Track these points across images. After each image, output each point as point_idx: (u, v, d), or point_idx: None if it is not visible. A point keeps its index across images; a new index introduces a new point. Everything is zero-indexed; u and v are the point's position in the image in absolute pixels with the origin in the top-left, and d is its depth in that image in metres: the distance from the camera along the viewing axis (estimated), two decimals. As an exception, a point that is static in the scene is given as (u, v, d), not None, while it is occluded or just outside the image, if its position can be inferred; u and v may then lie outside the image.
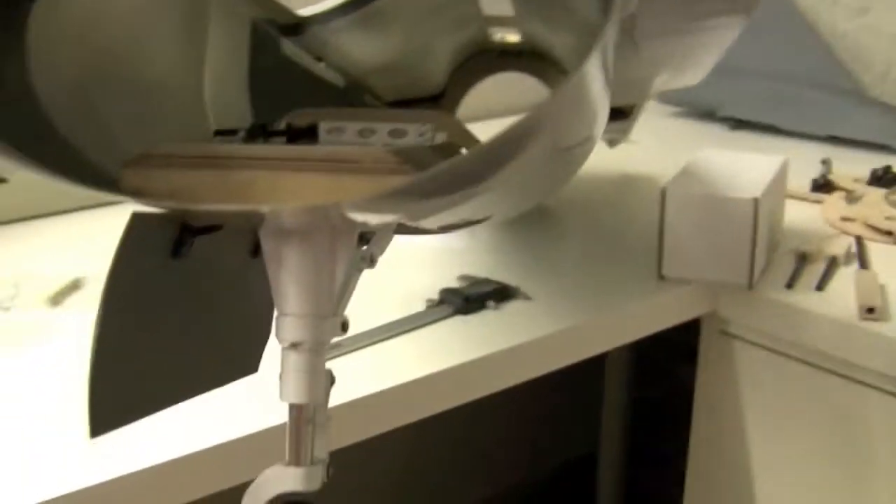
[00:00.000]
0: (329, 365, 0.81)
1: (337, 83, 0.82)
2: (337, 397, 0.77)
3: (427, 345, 0.89)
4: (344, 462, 0.86)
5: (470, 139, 0.67)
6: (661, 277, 1.03)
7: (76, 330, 0.49)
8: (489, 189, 0.47)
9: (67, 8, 0.55)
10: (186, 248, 0.51)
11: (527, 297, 0.97)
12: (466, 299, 0.95)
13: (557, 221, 1.26)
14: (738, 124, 1.73)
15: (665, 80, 0.98)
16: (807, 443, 1.04)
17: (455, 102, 1.16)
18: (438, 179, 0.40)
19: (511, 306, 0.96)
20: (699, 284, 1.03)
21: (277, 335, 0.49)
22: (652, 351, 1.57)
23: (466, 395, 0.87)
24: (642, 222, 1.11)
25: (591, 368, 1.12)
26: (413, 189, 0.41)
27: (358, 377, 0.81)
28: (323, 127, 0.58)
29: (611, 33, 0.46)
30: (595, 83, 0.47)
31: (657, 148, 1.54)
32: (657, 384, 1.70)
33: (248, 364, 0.55)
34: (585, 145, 0.61)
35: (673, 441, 1.21)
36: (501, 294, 0.97)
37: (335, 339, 0.83)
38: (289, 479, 0.49)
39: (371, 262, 0.55)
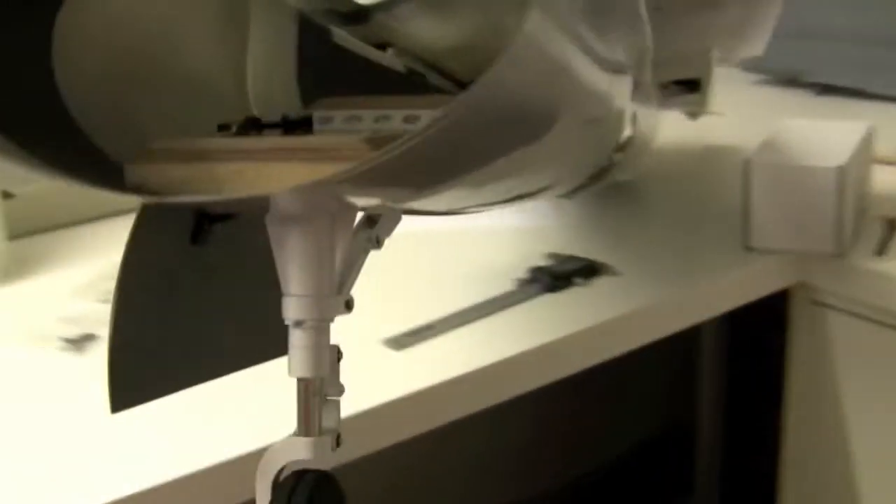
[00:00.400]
0: (422, 346, 0.84)
1: (397, 69, 0.83)
2: (435, 377, 0.80)
3: (518, 323, 0.90)
4: (446, 436, 0.88)
5: None
6: (749, 249, 1.03)
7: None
8: (451, 180, 0.48)
9: (98, 7, 0.55)
10: (206, 235, 0.54)
11: (615, 273, 0.98)
12: (555, 277, 0.96)
13: (643, 195, 1.27)
14: (824, 90, 1.71)
15: (725, 52, 0.97)
16: (901, 409, 1.04)
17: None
18: (369, 171, 0.41)
19: (599, 282, 0.97)
20: (787, 255, 1.03)
21: (283, 314, 0.52)
22: (747, 320, 1.57)
23: (558, 371, 0.89)
24: (728, 194, 1.11)
25: (685, 339, 1.12)
26: (350, 177, 0.42)
27: (452, 357, 0.83)
28: (331, 116, 0.59)
29: None
30: (553, 48, 0.46)
31: (742, 118, 1.53)
32: (753, 353, 1.69)
33: (279, 346, 0.55)
34: (590, 122, 0.60)
35: (769, 410, 1.21)
36: (589, 270, 0.98)
37: (427, 321, 0.86)
38: (298, 448, 0.51)
39: (377, 243, 0.57)
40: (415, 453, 1.02)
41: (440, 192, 0.51)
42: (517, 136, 0.49)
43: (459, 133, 0.42)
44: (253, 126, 0.56)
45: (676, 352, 1.74)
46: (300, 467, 0.51)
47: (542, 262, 0.99)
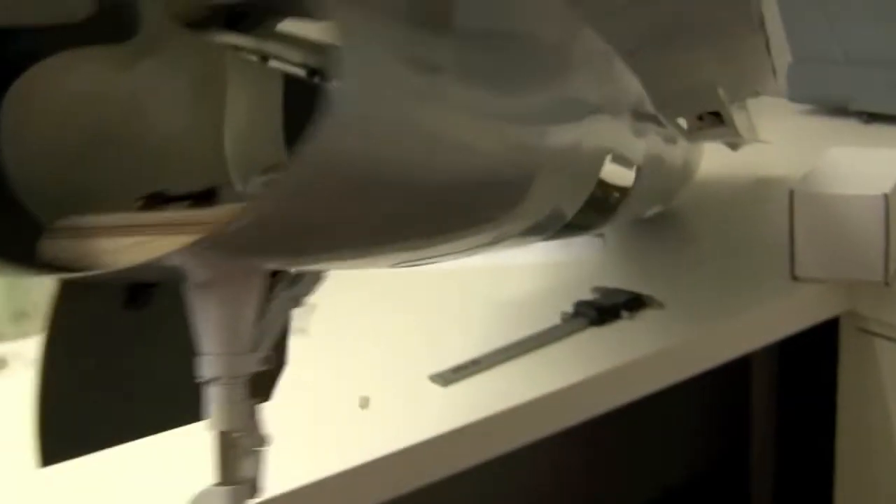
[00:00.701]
0: (468, 382, 0.85)
1: None
2: (482, 412, 0.80)
3: (564, 357, 0.90)
4: (494, 472, 0.89)
5: None
6: (795, 278, 1.03)
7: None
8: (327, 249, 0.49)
9: (54, 85, 0.55)
10: (142, 300, 0.55)
11: (660, 305, 0.98)
12: (601, 310, 0.96)
13: (689, 226, 1.27)
14: (873, 118, 1.70)
15: (729, 88, 0.97)
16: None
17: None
18: (214, 244, 0.42)
19: (646, 315, 0.97)
20: (834, 284, 1.03)
21: (197, 372, 0.53)
22: (797, 349, 1.56)
23: (607, 404, 0.89)
24: (774, 223, 1.10)
25: (736, 370, 1.12)
26: (195, 249, 0.42)
27: (499, 392, 0.84)
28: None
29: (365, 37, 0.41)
30: (396, 109, 0.43)
31: (789, 146, 1.53)
32: (804, 383, 1.68)
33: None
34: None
35: (822, 439, 1.20)
36: (635, 303, 0.98)
37: (474, 356, 0.87)
38: (217, 497, 0.53)
39: (297, 302, 0.58)
40: (458, 487, 1.02)
41: (324, 261, 0.52)
42: (401, 200, 0.48)
43: (304, 203, 0.41)
44: (160, 199, 0.57)
45: (727, 383, 1.73)
46: None
47: (587, 296, 1.00)
